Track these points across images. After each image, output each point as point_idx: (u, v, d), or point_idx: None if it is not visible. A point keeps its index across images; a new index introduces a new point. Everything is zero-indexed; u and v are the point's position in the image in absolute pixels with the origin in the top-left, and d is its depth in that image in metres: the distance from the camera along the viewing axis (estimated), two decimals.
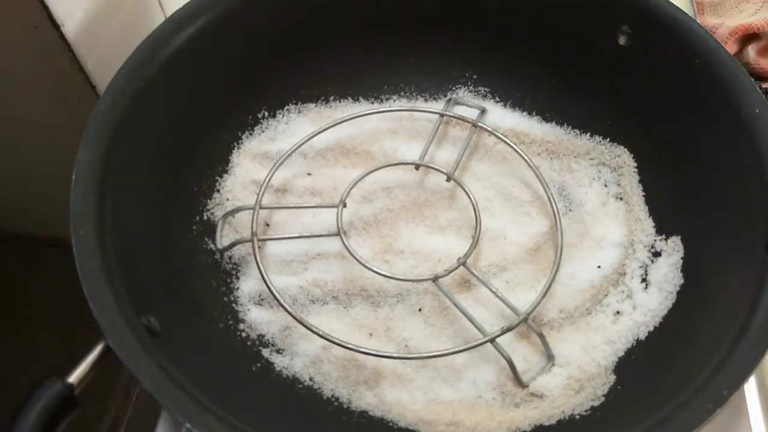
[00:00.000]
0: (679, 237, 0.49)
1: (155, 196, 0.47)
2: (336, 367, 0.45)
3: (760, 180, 0.42)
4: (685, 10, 0.48)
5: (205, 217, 0.50)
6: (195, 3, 0.48)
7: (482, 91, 0.57)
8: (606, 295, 0.48)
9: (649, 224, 0.50)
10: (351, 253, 0.46)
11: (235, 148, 0.53)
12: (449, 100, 0.56)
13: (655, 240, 0.50)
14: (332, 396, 0.44)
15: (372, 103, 0.57)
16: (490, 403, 0.44)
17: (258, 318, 0.47)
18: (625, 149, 0.53)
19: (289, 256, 0.49)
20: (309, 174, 0.53)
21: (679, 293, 0.47)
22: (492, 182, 0.53)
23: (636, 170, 0.52)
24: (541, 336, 0.45)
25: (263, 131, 0.55)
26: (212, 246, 0.49)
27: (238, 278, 0.49)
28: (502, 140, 0.52)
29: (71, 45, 0.48)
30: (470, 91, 0.57)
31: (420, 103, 0.57)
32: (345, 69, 0.56)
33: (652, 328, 0.46)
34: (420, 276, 0.47)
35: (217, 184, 0.52)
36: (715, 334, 0.40)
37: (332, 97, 0.56)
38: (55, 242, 0.43)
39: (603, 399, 0.43)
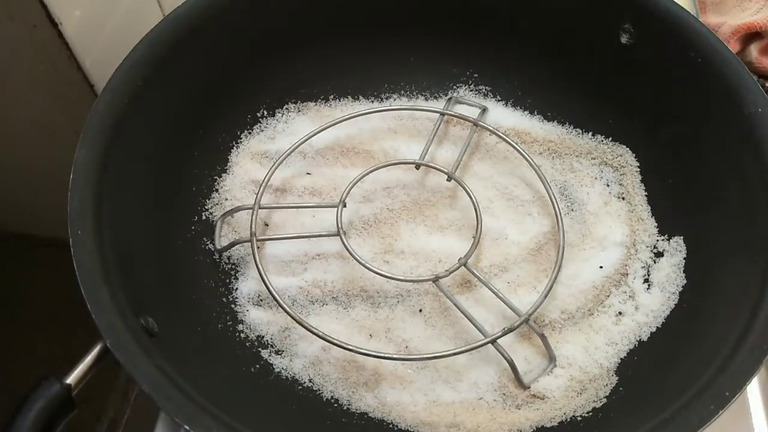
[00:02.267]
0: (682, 237, 0.48)
1: (154, 196, 0.46)
2: (336, 369, 0.44)
3: (763, 179, 0.42)
4: (688, 9, 0.48)
5: (203, 217, 0.50)
6: (193, 1, 0.48)
7: (483, 90, 0.57)
8: (608, 296, 0.48)
9: (651, 224, 0.50)
10: (351, 254, 0.46)
11: (234, 148, 0.53)
12: (450, 98, 0.56)
13: (657, 240, 0.49)
14: (332, 397, 0.44)
15: (372, 102, 0.57)
16: (491, 405, 0.43)
17: (257, 319, 0.47)
18: (628, 149, 0.53)
19: (289, 257, 0.49)
20: (308, 173, 0.53)
21: (681, 294, 0.46)
22: (493, 182, 0.53)
23: (638, 170, 0.52)
24: (543, 337, 0.45)
25: (262, 130, 0.54)
26: (211, 246, 0.49)
27: (236, 279, 0.48)
28: (504, 139, 0.52)
29: (69, 43, 0.48)
30: (471, 90, 0.57)
31: (420, 102, 0.57)
32: (345, 67, 0.56)
33: (654, 329, 0.46)
34: (420, 276, 0.47)
35: (215, 183, 0.51)
36: (717, 335, 0.40)
37: (332, 96, 0.56)
38: (55, 242, 0.43)
39: (605, 400, 0.43)
